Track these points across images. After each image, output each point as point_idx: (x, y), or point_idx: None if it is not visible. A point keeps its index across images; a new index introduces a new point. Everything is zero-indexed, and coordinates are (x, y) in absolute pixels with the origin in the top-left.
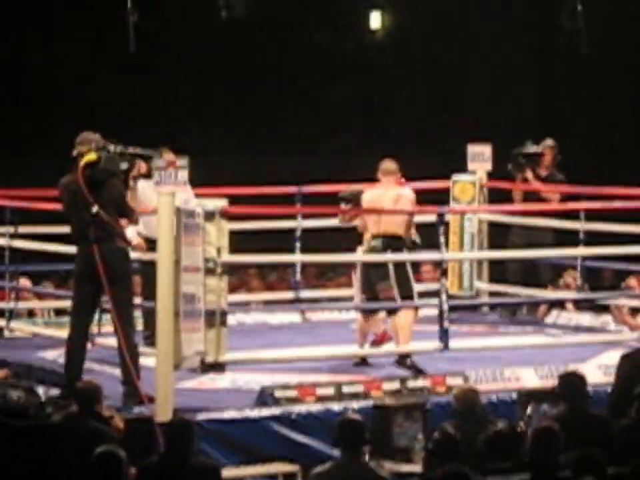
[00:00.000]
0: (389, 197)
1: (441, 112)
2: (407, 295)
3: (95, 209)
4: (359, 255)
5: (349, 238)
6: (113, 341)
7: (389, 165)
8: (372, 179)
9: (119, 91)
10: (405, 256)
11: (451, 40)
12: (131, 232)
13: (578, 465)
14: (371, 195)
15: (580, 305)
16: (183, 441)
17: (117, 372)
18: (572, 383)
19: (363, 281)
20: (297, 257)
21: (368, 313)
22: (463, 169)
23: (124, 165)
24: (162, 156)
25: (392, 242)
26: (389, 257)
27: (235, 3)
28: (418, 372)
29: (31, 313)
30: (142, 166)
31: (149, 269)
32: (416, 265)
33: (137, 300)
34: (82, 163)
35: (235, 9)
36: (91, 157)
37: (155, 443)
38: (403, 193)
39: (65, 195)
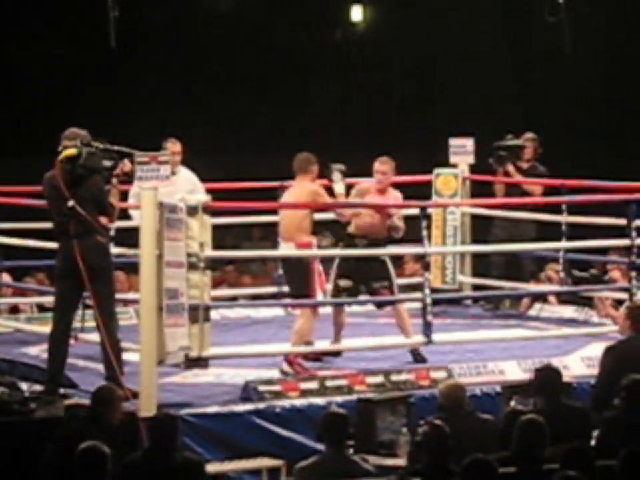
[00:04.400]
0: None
1: (421, 107)
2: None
3: (70, 203)
4: (338, 250)
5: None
6: (95, 337)
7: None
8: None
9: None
10: (389, 250)
11: (430, 33)
12: None
13: (566, 458)
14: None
15: (563, 298)
16: (167, 436)
17: (100, 367)
18: (548, 376)
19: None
20: (279, 252)
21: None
22: (441, 163)
23: (107, 163)
24: (167, 146)
25: None
26: (374, 251)
27: None
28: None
29: (13, 309)
30: (126, 164)
31: None
32: (399, 259)
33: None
34: (59, 157)
35: (219, 2)
36: (70, 152)
37: (139, 439)
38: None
39: (46, 189)
